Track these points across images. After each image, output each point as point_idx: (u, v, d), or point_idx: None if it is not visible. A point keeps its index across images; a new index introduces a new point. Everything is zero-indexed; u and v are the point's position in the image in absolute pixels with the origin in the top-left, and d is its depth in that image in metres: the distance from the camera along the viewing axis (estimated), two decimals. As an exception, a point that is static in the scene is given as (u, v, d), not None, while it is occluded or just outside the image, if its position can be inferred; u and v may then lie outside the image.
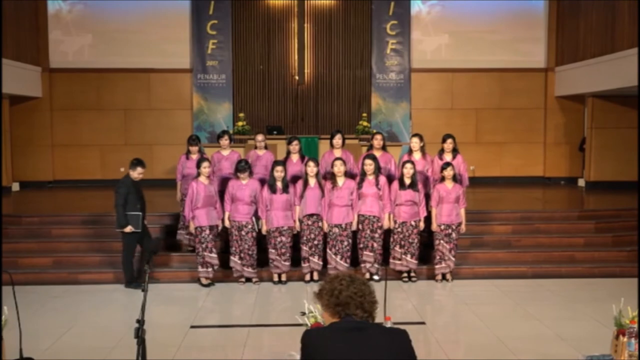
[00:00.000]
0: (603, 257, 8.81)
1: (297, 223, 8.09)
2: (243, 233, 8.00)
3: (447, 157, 8.57)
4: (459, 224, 8.15)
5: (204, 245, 7.95)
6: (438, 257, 8.17)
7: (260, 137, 9.05)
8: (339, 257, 8.02)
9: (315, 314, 4.27)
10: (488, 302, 7.43)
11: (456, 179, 8.20)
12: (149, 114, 14.05)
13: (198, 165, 8.08)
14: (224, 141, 8.92)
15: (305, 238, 8.09)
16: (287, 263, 8.11)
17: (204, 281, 8.09)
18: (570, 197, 12.52)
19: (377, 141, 8.65)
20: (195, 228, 7.95)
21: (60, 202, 11.82)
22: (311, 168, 8.04)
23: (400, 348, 2.57)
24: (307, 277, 8.24)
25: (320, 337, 2.58)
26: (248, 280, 8.20)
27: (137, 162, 8.03)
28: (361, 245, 8.10)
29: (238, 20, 14.01)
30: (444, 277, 8.27)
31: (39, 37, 13.73)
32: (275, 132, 11.76)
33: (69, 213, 9.85)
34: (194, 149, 8.90)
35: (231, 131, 11.63)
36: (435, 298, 7.89)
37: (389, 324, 4.00)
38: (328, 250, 8.08)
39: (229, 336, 6.30)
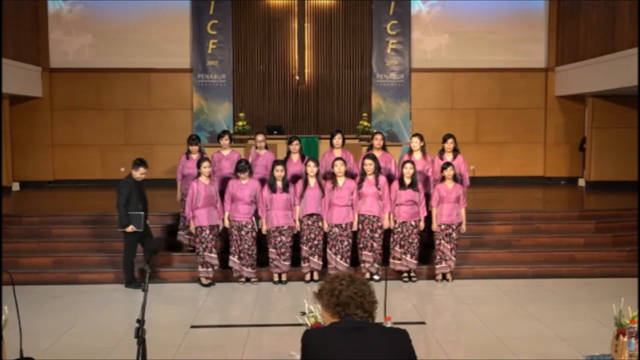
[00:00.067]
0: (603, 257, 8.82)
1: (297, 223, 8.10)
2: (243, 233, 8.00)
3: (448, 157, 8.57)
4: (460, 224, 8.16)
5: (204, 245, 7.95)
6: (439, 257, 8.17)
7: (260, 137, 9.06)
8: (339, 257, 8.02)
9: (315, 313, 4.27)
10: (488, 302, 7.43)
11: (457, 178, 8.20)
12: (149, 113, 14.05)
13: (198, 165, 8.08)
14: (224, 141, 8.92)
15: (305, 238, 8.09)
16: (287, 263, 8.11)
17: (204, 281, 8.10)
18: (570, 197, 12.52)
19: (377, 141, 8.65)
20: (196, 228, 7.96)
21: (61, 202, 11.83)
22: (311, 168, 8.04)
23: (401, 348, 2.57)
24: (307, 277, 8.24)
25: (321, 337, 2.58)
26: (248, 280, 8.21)
27: (140, 162, 8.03)
28: (361, 245, 8.10)
29: (238, 20, 14.00)
30: (444, 277, 8.27)
31: (39, 37, 13.73)
32: (275, 132, 11.76)
33: (69, 213, 9.87)
34: (194, 148, 8.90)
35: (231, 131, 11.64)
36: (436, 298, 7.88)
37: (389, 324, 4.00)
38: (328, 250, 8.08)
39: (229, 336, 6.30)
